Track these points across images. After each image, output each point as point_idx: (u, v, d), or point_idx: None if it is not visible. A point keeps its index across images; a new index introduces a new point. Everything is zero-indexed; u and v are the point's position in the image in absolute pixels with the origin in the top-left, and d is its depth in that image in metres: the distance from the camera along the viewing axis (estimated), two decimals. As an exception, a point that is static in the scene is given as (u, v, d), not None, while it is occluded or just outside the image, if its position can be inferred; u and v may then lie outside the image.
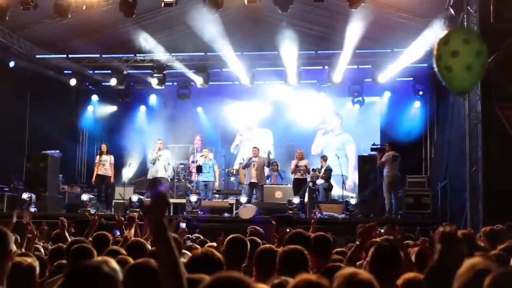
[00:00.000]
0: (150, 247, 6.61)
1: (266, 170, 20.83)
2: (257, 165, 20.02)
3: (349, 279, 3.30)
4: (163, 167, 19.91)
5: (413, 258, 6.14)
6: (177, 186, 21.70)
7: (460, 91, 8.31)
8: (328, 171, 20.56)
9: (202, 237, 9.88)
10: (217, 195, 21.46)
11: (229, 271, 3.26)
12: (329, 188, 20.47)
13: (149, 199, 3.16)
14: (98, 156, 20.99)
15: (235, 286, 2.76)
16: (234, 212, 18.57)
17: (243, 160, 21.26)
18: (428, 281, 3.73)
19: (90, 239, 7.64)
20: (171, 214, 19.09)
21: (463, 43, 7.25)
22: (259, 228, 9.26)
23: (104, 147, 21.01)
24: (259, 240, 6.83)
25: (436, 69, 7.42)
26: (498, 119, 13.92)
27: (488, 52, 8.75)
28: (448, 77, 7.35)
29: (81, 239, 7.02)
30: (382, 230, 9.24)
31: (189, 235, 11.10)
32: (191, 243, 8.64)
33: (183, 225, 11.04)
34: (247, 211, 18.00)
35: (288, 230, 8.57)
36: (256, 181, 19.97)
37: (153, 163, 19.92)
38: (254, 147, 21.04)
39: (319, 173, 20.43)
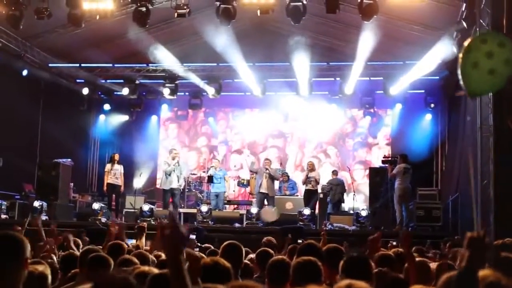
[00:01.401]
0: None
1: (276, 183, 20.79)
2: (269, 175, 19.98)
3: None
4: (176, 178, 19.87)
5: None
6: (188, 196, 21.71)
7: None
8: (332, 184, 20.68)
9: (212, 247, 9.85)
10: (227, 205, 21.49)
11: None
12: (340, 200, 20.48)
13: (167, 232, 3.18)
14: (109, 165, 20.91)
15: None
16: (245, 222, 18.59)
17: (253, 162, 21.05)
18: None
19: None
20: (182, 223, 19.14)
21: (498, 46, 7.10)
22: (272, 239, 9.26)
23: (116, 156, 20.98)
24: (271, 251, 6.82)
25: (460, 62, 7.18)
26: (510, 133, 13.88)
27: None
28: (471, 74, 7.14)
29: (95, 248, 7.04)
30: (394, 243, 9.25)
31: (199, 244, 11.13)
32: (198, 252, 8.64)
33: (192, 236, 11.08)
34: (269, 214, 18.02)
35: (300, 241, 8.56)
36: (267, 192, 19.90)
37: (169, 174, 19.84)
38: (266, 158, 21.03)
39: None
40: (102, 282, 2.96)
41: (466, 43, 6.74)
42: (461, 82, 6.73)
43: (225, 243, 5.96)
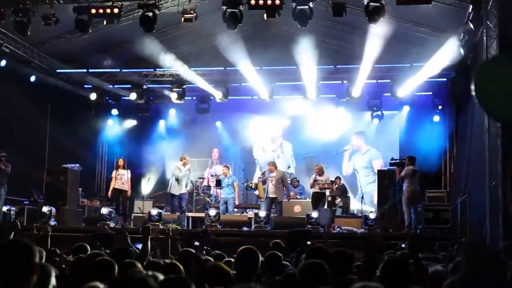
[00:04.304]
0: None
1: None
2: (275, 180, 19.84)
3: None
4: (185, 183, 19.93)
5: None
6: (196, 200, 21.72)
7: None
8: (341, 189, 20.70)
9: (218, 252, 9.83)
10: (235, 209, 21.48)
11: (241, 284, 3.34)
12: (344, 206, 20.49)
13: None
14: (114, 170, 21.05)
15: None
16: (253, 226, 18.57)
17: (263, 175, 21.00)
18: None
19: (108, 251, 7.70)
20: (190, 227, 19.17)
21: None
22: (280, 242, 9.24)
23: (121, 162, 21.03)
24: (280, 254, 6.80)
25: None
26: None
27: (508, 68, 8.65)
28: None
29: (100, 252, 7.06)
30: (403, 245, 9.23)
31: (207, 248, 11.14)
32: (206, 256, 8.65)
33: (197, 243, 11.12)
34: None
35: (309, 243, 8.55)
36: (274, 196, 19.81)
37: (180, 179, 19.86)
38: (270, 163, 20.77)
39: (334, 189, 20.56)
40: (121, 283, 2.98)
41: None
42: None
43: (241, 248, 5.87)
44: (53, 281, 4.19)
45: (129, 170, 20.96)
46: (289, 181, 21.42)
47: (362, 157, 24.55)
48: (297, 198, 21.02)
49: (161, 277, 4.26)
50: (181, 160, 20.37)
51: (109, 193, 20.99)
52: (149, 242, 8.19)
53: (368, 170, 24.08)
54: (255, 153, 25.39)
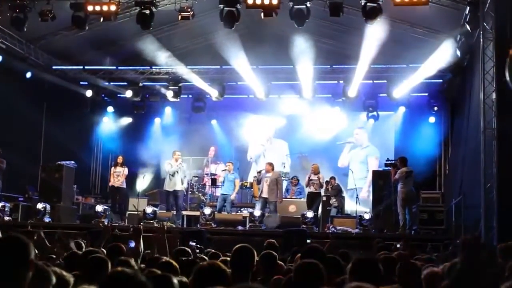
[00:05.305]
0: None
1: (284, 184, 20.73)
2: (270, 181, 19.73)
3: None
4: (180, 180, 19.90)
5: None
6: (191, 199, 21.70)
7: None
8: (336, 190, 20.71)
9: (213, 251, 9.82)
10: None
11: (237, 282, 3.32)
12: (339, 206, 20.47)
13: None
14: (112, 168, 21.12)
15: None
16: (248, 225, 18.54)
17: (259, 174, 20.98)
18: None
19: (102, 249, 7.67)
20: (185, 226, 19.15)
21: None
22: (273, 241, 9.24)
23: (120, 159, 21.12)
24: (275, 254, 6.80)
25: None
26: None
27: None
28: None
29: (95, 249, 7.04)
30: (398, 245, 9.24)
31: (199, 246, 11.15)
32: (201, 255, 8.65)
33: (192, 243, 11.14)
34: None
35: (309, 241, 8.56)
36: (267, 197, 19.73)
37: (173, 175, 19.88)
38: (268, 163, 20.62)
39: (330, 189, 20.56)
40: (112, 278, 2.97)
41: None
42: None
43: (237, 246, 5.85)
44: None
45: (126, 168, 21.05)
46: (289, 180, 21.49)
47: (361, 151, 24.55)
48: (291, 198, 20.94)
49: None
50: (172, 156, 20.41)
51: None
52: (141, 242, 8.16)
53: (363, 165, 24.12)
54: (249, 153, 25.30)
